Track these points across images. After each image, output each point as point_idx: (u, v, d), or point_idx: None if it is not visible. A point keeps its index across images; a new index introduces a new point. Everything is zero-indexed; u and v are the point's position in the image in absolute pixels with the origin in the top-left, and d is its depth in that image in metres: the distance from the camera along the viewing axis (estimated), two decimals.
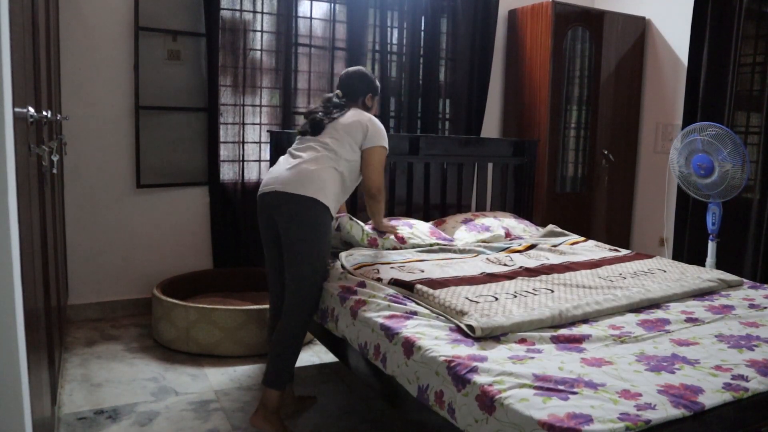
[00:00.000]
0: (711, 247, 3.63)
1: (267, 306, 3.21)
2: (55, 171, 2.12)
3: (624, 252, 3.13)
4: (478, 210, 3.90)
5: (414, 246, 3.01)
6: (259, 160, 3.96)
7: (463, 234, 3.30)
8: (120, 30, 3.54)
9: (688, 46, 4.20)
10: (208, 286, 3.85)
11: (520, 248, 3.11)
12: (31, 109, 1.54)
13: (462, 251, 3.03)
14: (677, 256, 4.26)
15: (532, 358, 1.76)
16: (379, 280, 2.44)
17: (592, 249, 3.16)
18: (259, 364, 3.14)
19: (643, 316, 2.16)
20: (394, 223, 3.15)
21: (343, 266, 2.65)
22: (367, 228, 2.95)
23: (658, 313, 2.20)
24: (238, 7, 3.78)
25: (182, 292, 3.65)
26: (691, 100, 4.19)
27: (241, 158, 3.91)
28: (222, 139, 3.84)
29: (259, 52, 3.89)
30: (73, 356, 3.13)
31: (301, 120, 4.10)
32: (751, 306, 2.32)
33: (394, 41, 4.32)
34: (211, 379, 2.95)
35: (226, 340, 3.18)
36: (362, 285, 2.39)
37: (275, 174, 2.52)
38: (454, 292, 2.24)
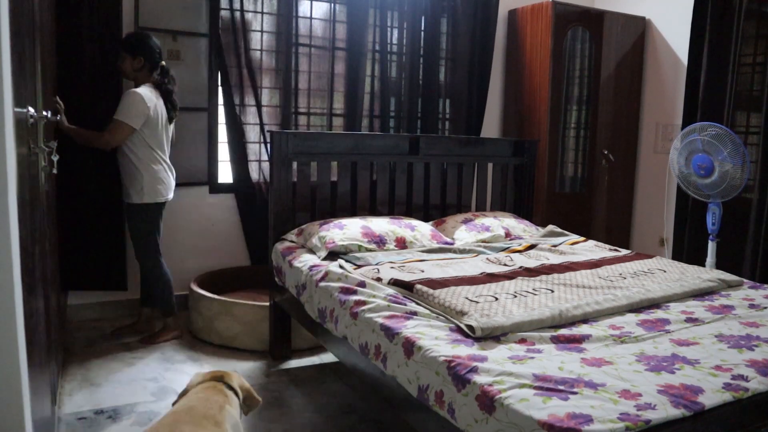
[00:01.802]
0: (711, 247, 3.63)
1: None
2: (55, 171, 2.12)
3: (624, 252, 3.13)
4: (478, 210, 3.90)
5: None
6: (259, 160, 3.96)
7: (463, 234, 3.30)
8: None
9: (688, 46, 4.20)
10: (245, 282, 3.98)
11: (520, 248, 3.11)
12: (31, 109, 1.54)
13: (462, 251, 3.03)
14: (677, 256, 4.26)
15: (532, 358, 1.76)
16: (379, 280, 2.44)
17: (592, 249, 3.16)
18: (259, 364, 3.14)
19: (643, 316, 2.16)
20: (395, 223, 3.16)
21: (342, 266, 2.65)
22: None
23: (658, 313, 2.20)
24: (238, 7, 3.78)
25: (220, 287, 3.77)
26: (691, 100, 4.19)
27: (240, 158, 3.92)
28: (221, 140, 3.85)
29: (259, 52, 3.89)
30: (73, 356, 3.13)
31: (301, 120, 4.12)
32: (751, 306, 2.32)
33: (394, 41, 4.31)
34: None
35: (244, 334, 3.27)
36: (362, 285, 2.39)
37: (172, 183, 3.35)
38: (454, 292, 2.24)
